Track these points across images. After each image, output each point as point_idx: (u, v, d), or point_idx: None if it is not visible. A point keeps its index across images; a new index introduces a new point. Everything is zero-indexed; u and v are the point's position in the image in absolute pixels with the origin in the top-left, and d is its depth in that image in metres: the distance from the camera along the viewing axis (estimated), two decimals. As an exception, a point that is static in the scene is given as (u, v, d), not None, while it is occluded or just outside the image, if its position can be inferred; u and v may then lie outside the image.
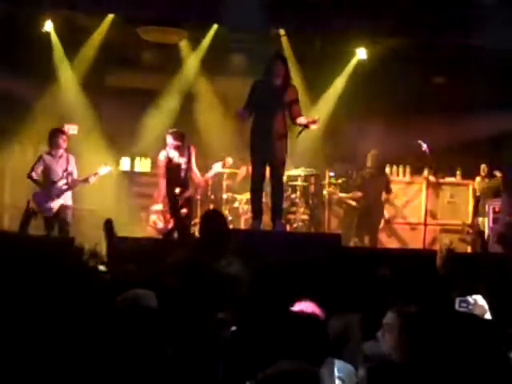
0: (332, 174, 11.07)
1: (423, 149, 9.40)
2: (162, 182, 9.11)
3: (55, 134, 9.29)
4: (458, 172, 11.67)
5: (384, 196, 10.53)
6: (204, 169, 9.76)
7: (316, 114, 11.41)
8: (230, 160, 9.86)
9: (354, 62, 11.77)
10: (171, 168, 8.99)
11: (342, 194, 10.82)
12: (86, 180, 9.30)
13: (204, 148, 10.77)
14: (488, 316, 3.79)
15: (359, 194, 10.47)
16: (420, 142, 9.43)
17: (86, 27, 11.21)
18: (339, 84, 11.93)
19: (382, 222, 10.63)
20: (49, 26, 11.00)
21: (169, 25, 10.83)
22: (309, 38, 11.49)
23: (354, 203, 10.57)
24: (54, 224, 9.10)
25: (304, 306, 3.82)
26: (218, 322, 3.66)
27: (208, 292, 3.91)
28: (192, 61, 11.70)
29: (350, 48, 11.63)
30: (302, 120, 7.81)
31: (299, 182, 10.64)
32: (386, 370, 2.78)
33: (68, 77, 11.43)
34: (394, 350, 3.24)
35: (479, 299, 3.85)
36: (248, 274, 4.10)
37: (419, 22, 10.42)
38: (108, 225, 6.75)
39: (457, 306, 3.86)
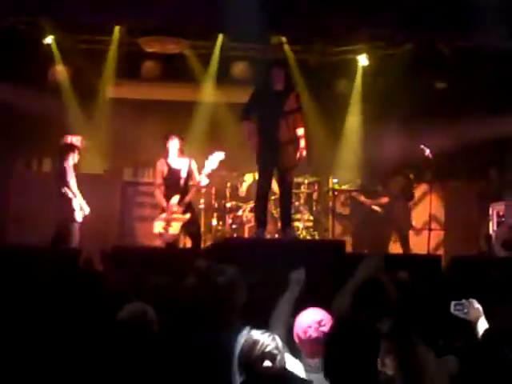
0: (335, 180, 11.05)
1: (426, 154, 9.38)
2: (161, 191, 8.93)
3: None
4: (462, 176, 11.63)
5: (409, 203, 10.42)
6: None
7: (319, 120, 11.50)
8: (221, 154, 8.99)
9: (355, 68, 11.76)
10: (171, 176, 8.83)
11: (365, 199, 10.72)
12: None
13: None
14: (483, 320, 3.77)
15: (385, 199, 10.35)
16: (423, 146, 9.41)
17: (87, 39, 11.23)
18: (341, 91, 11.91)
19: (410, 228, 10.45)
20: (49, 39, 11.02)
21: (170, 35, 10.86)
22: (309, 45, 11.51)
23: (379, 209, 10.46)
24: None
25: (312, 313, 3.80)
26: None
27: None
28: (199, 70, 11.69)
29: (351, 55, 11.64)
30: (299, 133, 7.75)
31: (303, 189, 10.64)
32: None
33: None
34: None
35: (474, 303, 3.83)
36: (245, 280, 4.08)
37: (419, 25, 10.40)
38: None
39: (452, 310, 3.83)
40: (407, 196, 10.30)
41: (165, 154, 8.88)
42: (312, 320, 3.71)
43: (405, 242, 10.13)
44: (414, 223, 10.53)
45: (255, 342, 3.25)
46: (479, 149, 11.55)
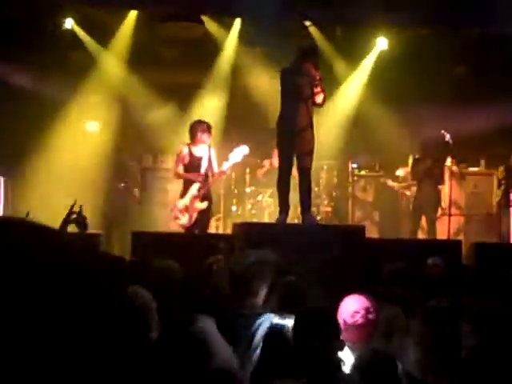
0: (354, 165, 11.02)
1: (446, 139, 9.32)
2: (182, 177, 8.92)
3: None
4: (482, 162, 11.55)
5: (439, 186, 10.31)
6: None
7: (339, 103, 11.47)
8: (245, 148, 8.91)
9: (375, 51, 11.71)
10: (192, 163, 8.79)
11: (393, 183, 10.66)
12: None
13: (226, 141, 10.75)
14: None
15: (413, 182, 10.23)
16: (443, 132, 9.35)
17: (106, 24, 11.24)
18: (361, 74, 11.87)
19: (440, 211, 10.28)
20: (69, 24, 11.04)
21: (188, 20, 10.86)
22: (329, 27, 11.44)
23: (408, 193, 10.38)
24: None
25: (360, 299, 3.78)
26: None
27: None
28: (226, 53, 11.67)
29: (371, 37, 11.57)
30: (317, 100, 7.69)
31: (322, 175, 10.61)
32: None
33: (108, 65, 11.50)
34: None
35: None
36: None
37: (437, 10, 10.34)
38: None
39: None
40: (437, 179, 10.13)
41: (193, 140, 8.75)
42: (360, 306, 3.72)
43: (433, 226, 10.01)
44: (443, 205, 10.33)
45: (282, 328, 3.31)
46: (499, 135, 11.48)
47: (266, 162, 10.61)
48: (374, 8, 10.24)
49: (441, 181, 10.15)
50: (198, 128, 8.68)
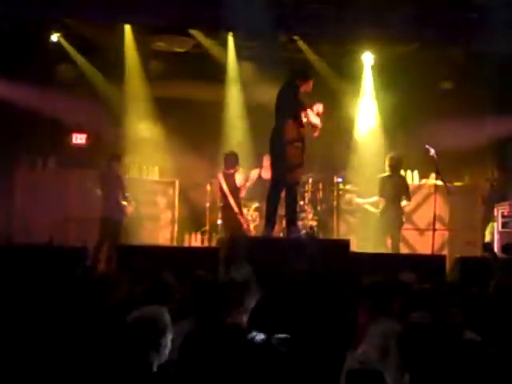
0: (340, 179, 11.06)
1: (431, 153, 9.37)
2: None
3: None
4: (466, 177, 11.63)
5: (404, 202, 10.23)
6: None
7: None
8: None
9: (361, 67, 11.79)
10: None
11: (359, 200, 10.60)
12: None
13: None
14: None
15: (383, 199, 9.99)
16: (428, 146, 9.42)
17: (93, 38, 11.23)
18: (347, 89, 11.95)
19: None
20: (55, 37, 11.04)
21: (178, 33, 10.91)
22: (316, 43, 11.51)
23: (373, 209, 10.21)
24: None
25: None
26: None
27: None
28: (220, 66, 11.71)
29: (357, 54, 11.66)
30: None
31: (307, 188, 10.64)
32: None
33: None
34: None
35: None
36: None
37: (424, 26, 10.43)
38: None
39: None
40: (404, 196, 10.11)
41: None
42: None
43: (395, 243, 9.97)
44: (404, 221, 10.18)
45: None
46: (483, 150, 11.57)
47: (254, 172, 10.64)
48: (360, 23, 10.32)
49: (408, 198, 10.12)
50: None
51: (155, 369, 3.29)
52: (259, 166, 10.33)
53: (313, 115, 7.83)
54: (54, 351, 3.70)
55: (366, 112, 11.94)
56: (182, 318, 4.05)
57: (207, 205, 10.81)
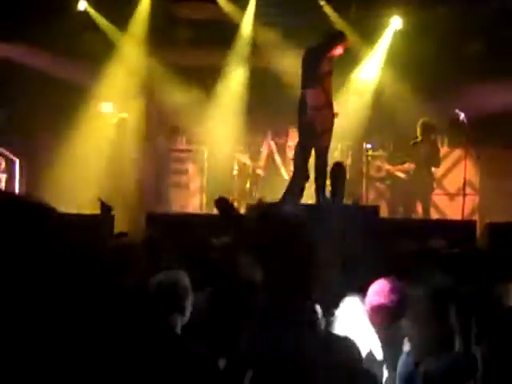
0: (369, 145, 10.98)
1: (461, 118, 9.26)
2: None
3: None
4: (497, 142, 11.48)
5: (433, 168, 10.16)
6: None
7: (355, 83, 11.49)
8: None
9: (390, 30, 11.64)
10: None
11: (389, 167, 10.57)
12: None
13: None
14: None
15: (412, 165, 10.02)
16: (457, 111, 9.30)
17: (120, 5, 11.21)
18: (376, 52, 11.82)
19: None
20: (83, 5, 11.03)
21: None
22: (343, 7, 11.37)
23: (403, 175, 10.27)
24: None
25: (385, 283, 3.71)
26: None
27: None
28: (244, 33, 11.66)
29: (385, 17, 11.50)
30: None
31: (336, 155, 10.59)
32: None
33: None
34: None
35: None
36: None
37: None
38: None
39: None
40: (433, 163, 10.07)
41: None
42: (380, 288, 3.64)
43: (426, 209, 9.96)
44: (435, 187, 10.24)
45: None
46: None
47: (264, 147, 10.74)
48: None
49: (437, 164, 10.08)
50: None
51: (179, 331, 3.33)
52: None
53: None
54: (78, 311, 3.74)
55: (393, 77, 11.81)
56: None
57: (235, 172, 10.84)
